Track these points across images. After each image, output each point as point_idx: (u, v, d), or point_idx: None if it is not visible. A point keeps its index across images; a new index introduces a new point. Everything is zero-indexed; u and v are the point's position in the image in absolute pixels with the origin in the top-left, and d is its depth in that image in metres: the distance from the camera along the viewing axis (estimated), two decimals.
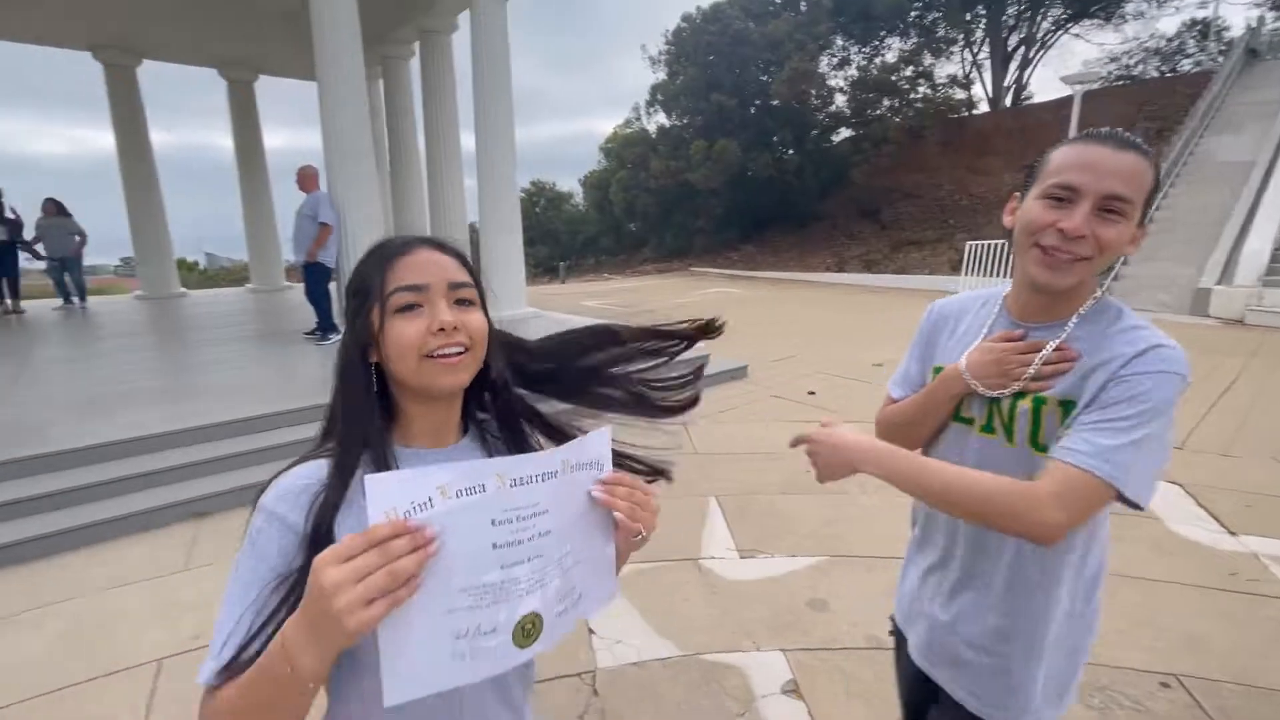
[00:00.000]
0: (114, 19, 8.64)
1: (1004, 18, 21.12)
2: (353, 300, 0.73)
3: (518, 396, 0.84)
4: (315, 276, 6.11)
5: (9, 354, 5.95)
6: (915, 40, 20.86)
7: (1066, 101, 20.25)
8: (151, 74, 10.22)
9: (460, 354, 0.70)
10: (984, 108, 22.15)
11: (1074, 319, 0.92)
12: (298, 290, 7.74)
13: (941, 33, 21.05)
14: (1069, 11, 21.30)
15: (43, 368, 5.31)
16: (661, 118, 21.93)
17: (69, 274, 9.21)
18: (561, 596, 0.63)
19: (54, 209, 8.76)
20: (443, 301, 0.70)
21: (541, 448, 0.83)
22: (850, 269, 16.06)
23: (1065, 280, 0.88)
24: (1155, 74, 21.32)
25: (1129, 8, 21.02)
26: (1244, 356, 6.48)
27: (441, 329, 0.68)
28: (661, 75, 21.30)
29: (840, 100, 19.71)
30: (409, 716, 0.65)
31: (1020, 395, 0.93)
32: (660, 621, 2.41)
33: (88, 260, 10.25)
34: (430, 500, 0.54)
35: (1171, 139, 14.53)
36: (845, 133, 20.44)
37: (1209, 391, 5.26)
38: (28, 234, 8.59)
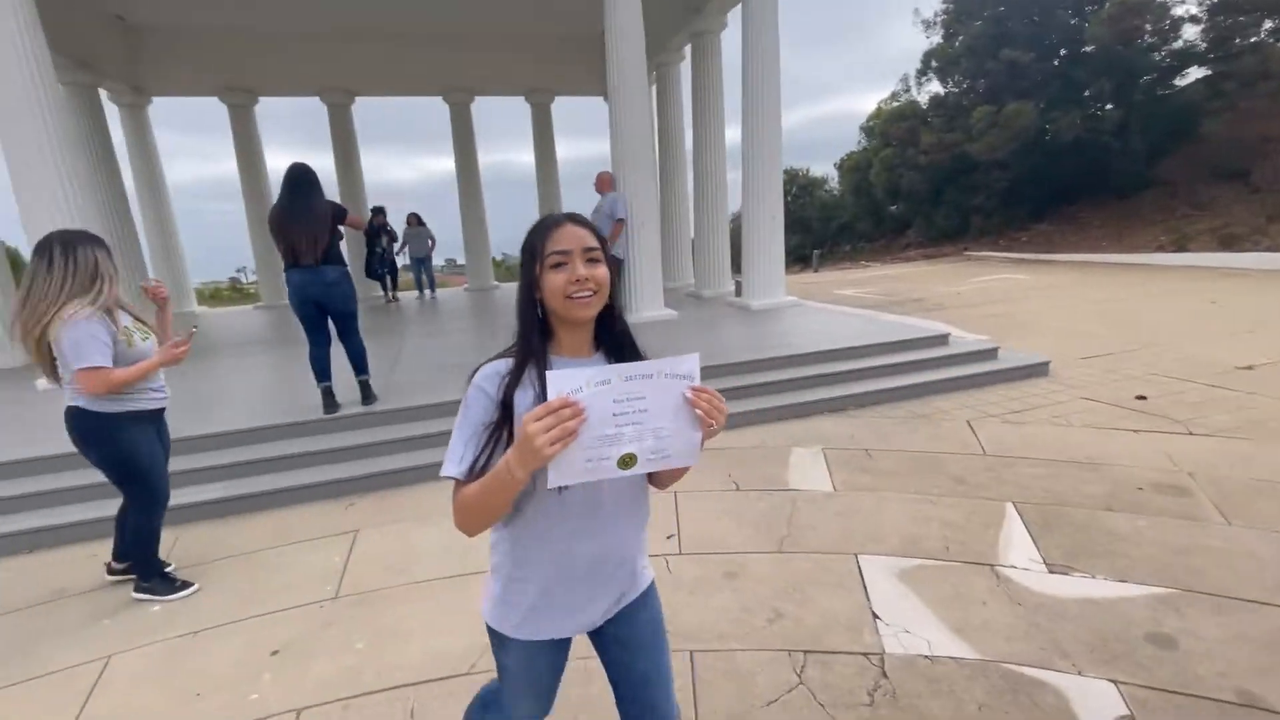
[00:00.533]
0: (457, 69, 10.95)
1: None
2: (525, 257, 1.09)
3: (626, 327, 1.17)
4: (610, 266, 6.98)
5: (392, 332, 8.02)
6: None
7: None
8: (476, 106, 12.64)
9: (590, 295, 1.05)
10: None
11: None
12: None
13: None
14: None
15: (415, 343, 7.04)
16: (935, 86, 19.75)
17: (425, 271, 11.97)
18: (654, 450, 0.97)
19: (415, 220, 11.49)
20: (579, 261, 1.04)
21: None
22: (1197, 247, 12.61)
23: None
24: None
25: None
26: None
27: (578, 280, 1.04)
28: (937, 39, 19.16)
29: (1191, 32, 15.45)
30: (567, 503, 1.10)
31: None
32: (953, 620, 2.28)
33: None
34: (580, 388, 0.89)
35: None
36: (1196, 74, 15.98)
37: None
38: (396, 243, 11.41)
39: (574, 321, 1.09)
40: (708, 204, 9.04)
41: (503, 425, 1.05)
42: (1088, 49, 15.56)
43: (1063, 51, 16.28)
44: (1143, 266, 12.23)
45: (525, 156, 17.40)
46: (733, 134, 8.46)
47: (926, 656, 2.10)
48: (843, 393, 4.90)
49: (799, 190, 28.79)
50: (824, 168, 37.08)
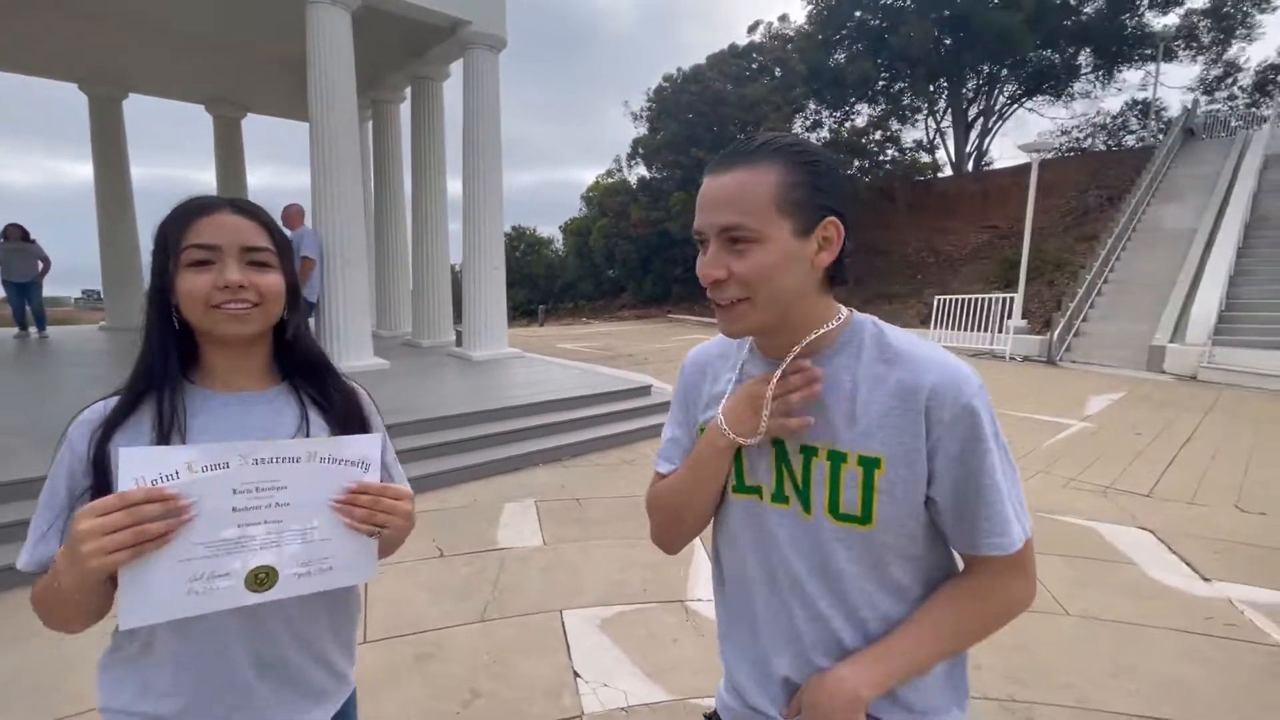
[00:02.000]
0: (107, 55, 8.70)
1: (964, 90, 22.53)
2: (155, 249, 0.81)
3: (315, 350, 0.92)
4: None
5: None
6: (883, 107, 22.09)
7: (1025, 168, 21.46)
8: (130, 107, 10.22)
9: (246, 308, 0.80)
10: (948, 172, 23.37)
11: (826, 349, 0.79)
12: None
13: (907, 101, 22.34)
14: (1023, 88, 22.88)
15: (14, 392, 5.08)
16: (642, 169, 22.60)
17: (29, 301, 8.91)
18: (304, 561, 0.73)
19: (17, 234, 8.54)
20: (234, 262, 0.79)
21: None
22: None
23: (736, 328, 0.78)
24: (1102, 147, 22.85)
25: (1076, 87, 22.69)
26: (1200, 411, 6.75)
27: (226, 286, 0.78)
28: (643, 130, 22.05)
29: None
30: (193, 638, 0.78)
31: (812, 452, 0.77)
32: (649, 664, 2.33)
33: (48, 290, 9.92)
34: (177, 473, 0.65)
35: (1122, 206, 15.45)
36: None
37: (1171, 443, 5.45)
38: None
39: (221, 341, 0.82)
40: (428, 251, 8.65)
41: (98, 493, 0.73)
42: None
43: None
44: None
45: (205, 175, 14.57)
46: (454, 186, 8.33)
47: (623, 709, 2.10)
48: (557, 443, 4.96)
49: (526, 248, 29.76)
50: (550, 229, 39.10)
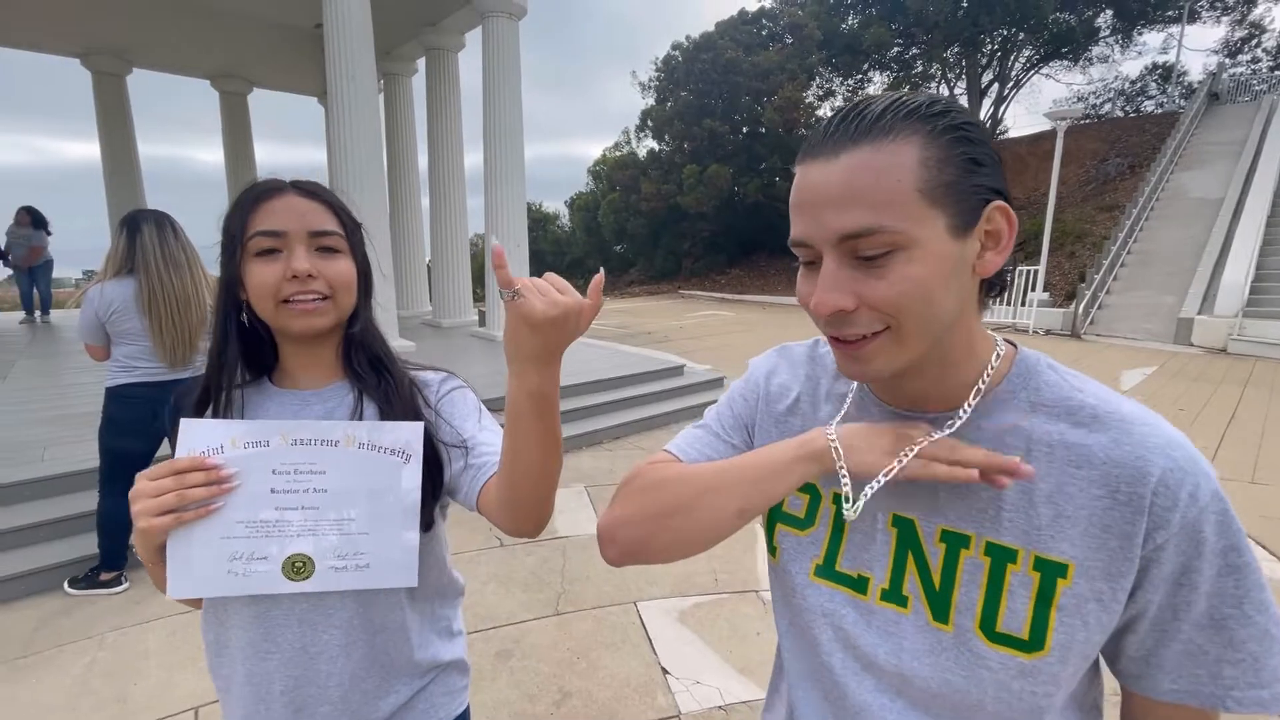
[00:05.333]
0: (107, 29, 8.41)
1: (979, 56, 21.95)
2: (224, 242, 0.76)
3: (384, 347, 0.86)
4: None
5: None
6: (896, 74, 21.54)
7: (1040, 137, 21.07)
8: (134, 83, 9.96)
9: (317, 300, 0.75)
10: None
11: (972, 400, 0.57)
12: None
13: (920, 68, 21.78)
14: (1040, 53, 22.27)
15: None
16: (651, 142, 22.17)
17: (37, 286, 8.76)
18: (341, 555, 0.70)
19: (27, 219, 8.37)
20: (301, 249, 0.74)
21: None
22: None
23: (869, 371, 0.55)
24: (1120, 114, 22.33)
25: (1095, 52, 22.07)
26: (1238, 385, 6.64)
27: (295, 276, 0.73)
28: (651, 101, 21.57)
29: None
30: (252, 618, 0.76)
31: (962, 541, 0.56)
32: (736, 659, 2.28)
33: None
34: (222, 447, 0.67)
35: (1144, 174, 15.13)
36: None
37: (1217, 419, 5.36)
38: None
39: (293, 337, 0.79)
40: (446, 228, 8.47)
41: None
42: (763, 129, 19.12)
43: (745, 129, 19.74)
44: None
45: (210, 154, 14.29)
46: (471, 160, 8.13)
47: (720, 707, 2.04)
48: (596, 426, 4.88)
49: (533, 224, 29.43)
50: (555, 204, 38.67)
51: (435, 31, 8.16)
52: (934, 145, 0.50)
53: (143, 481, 0.66)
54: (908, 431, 0.56)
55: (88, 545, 2.80)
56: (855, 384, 0.65)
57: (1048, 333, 10.66)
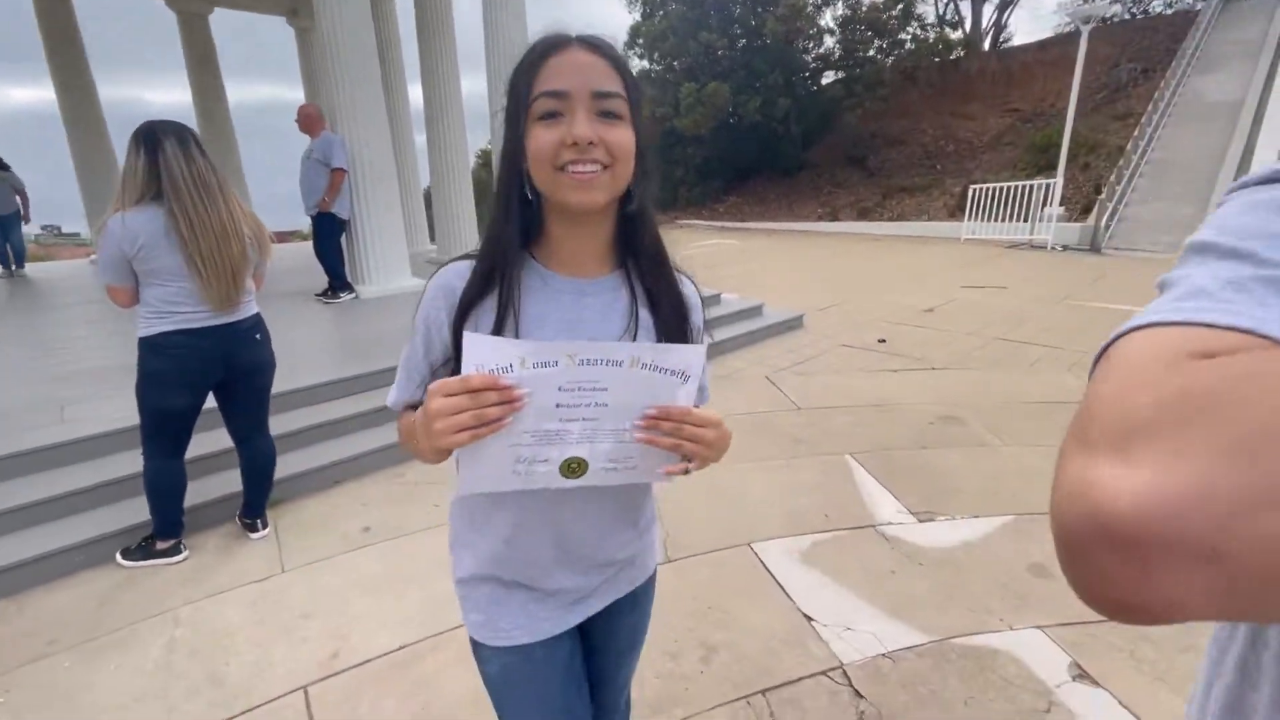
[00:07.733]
0: None
1: None
2: (509, 104, 0.73)
3: (658, 238, 0.81)
4: (326, 230, 5.44)
5: None
6: None
7: (1048, 43, 20.15)
8: None
9: (595, 172, 0.70)
10: (963, 52, 21.88)
11: None
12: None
13: None
14: None
15: None
16: (643, 63, 20.88)
17: (7, 237, 8.09)
18: (613, 459, 0.75)
19: None
20: (583, 112, 0.69)
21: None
22: (844, 217, 15.81)
23: None
24: (1127, 16, 21.33)
25: None
26: None
27: (575, 142, 0.68)
28: (637, 15, 20.16)
29: (829, 41, 19.07)
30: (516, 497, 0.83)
31: None
32: (882, 601, 2.10)
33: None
34: (511, 366, 0.66)
35: (1159, 79, 14.54)
36: (833, 76, 19.86)
37: None
38: None
39: (568, 211, 0.75)
40: (446, 162, 7.86)
41: (451, 359, 0.79)
42: (766, 42, 18.00)
43: (742, 43, 18.59)
44: (812, 233, 14.88)
45: (167, 95, 13.14)
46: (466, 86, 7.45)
47: (885, 655, 1.87)
48: None
49: None
50: None
51: None
52: None
53: (437, 400, 0.64)
54: None
55: (132, 512, 2.53)
56: None
57: (1065, 248, 10.41)
